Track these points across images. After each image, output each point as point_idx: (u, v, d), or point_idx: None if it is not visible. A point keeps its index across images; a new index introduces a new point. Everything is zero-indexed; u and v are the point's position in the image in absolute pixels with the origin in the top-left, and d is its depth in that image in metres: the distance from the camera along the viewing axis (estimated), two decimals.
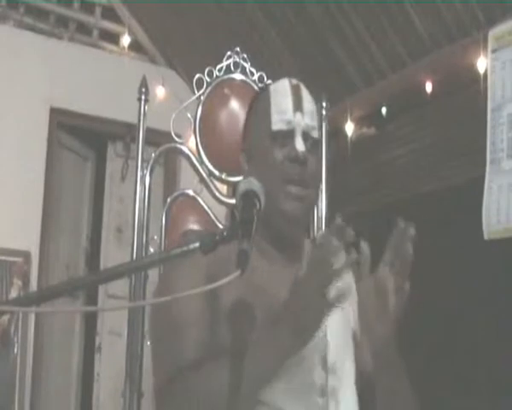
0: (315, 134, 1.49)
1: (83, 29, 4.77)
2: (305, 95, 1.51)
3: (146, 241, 1.84)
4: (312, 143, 1.48)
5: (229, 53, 1.98)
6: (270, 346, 1.25)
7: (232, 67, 1.97)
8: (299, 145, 1.45)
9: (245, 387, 1.25)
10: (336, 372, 1.39)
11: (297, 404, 1.34)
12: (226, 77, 1.96)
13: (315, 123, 1.50)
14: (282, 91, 1.50)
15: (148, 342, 1.81)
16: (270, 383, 1.30)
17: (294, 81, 1.53)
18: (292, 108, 1.47)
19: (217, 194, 1.92)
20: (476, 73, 3.03)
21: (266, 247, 1.47)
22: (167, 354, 1.35)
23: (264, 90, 1.56)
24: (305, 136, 1.47)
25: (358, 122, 3.92)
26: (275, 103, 1.48)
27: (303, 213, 1.47)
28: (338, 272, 1.19)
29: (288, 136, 1.46)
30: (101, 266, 4.84)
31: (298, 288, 1.24)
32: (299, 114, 1.47)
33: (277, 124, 1.46)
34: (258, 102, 1.55)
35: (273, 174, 1.44)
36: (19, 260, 4.14)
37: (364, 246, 1.30)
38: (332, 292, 1.19)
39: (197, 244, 1.09)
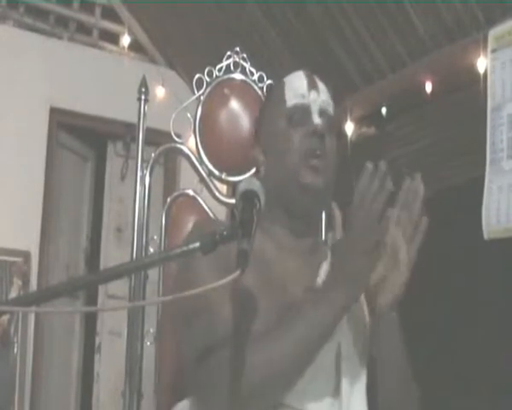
0: (331, 111, 1.49)
1: (83, 29, 4.77)
2: (319, 80, 1.52)
3: (146, 241, 1.84)
4: (329, 120, 1.48)
5: (228, 53, 1.97)
6: (322, 306, 1.25)
7: (232, 67, 1.96)
8: (317, 119, 1.45)
9: (294, 348, 1.23)
10: (348, 373, 1.37)
11: (314, 405, 1.33)
12: (226, 77, 1.96)
13: (330, 101, 1.50)
14: (295, 76, 1.52)
15: (148, 343, 1.81)
16: (321, 348, 1.27)
17: (308, 71, 1.54)
18: (306, 87, 1.48)
19: (217, 194, 1.92)
20: (476, 73, 3.03)
21: (284, 236, 1.47)
22: (197, 333, 1.31)
23: (277, 82, 1.58)
24: (322, 112, 1.47)
25: (358, 122, 3.92)
26: (288, 84, 1.50)
27: (324, 185, 1.46)
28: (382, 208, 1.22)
29: (303, 113, 1.46)
30: (101, 266, 4.84)
31: (341, 243, 1.28)
32: (314, 92, 1.48)
33: (292, 99, 1.47)
34: (272, 93, 1.56)
35: (292, 152, 1.44)
36: (19, 259, 4.14)
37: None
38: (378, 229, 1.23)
39: (197, 244, 1.09)
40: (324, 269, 1.46)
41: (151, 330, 1.82)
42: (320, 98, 1.48)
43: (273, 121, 1.50)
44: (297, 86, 1.48)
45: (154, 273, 1.80)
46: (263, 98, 1.61)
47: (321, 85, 1.51)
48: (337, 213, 1.48)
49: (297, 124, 1.45)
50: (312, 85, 1.49)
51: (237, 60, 1.97)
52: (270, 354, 1.23)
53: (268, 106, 1.55)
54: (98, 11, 4.79)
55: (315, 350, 1.27)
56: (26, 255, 4.17)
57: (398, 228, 1.33)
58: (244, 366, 1.22)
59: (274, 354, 1.23)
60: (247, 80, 1.97)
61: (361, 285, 1.28)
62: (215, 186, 1.93)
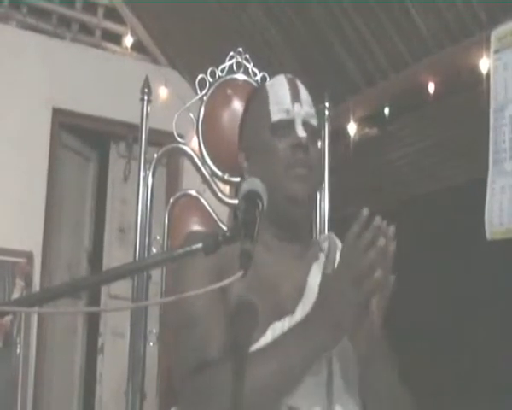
0: (314, 122, 1.51)
1: (85, 29, 4.78)
2: (301, 86, 1.53)
3: (148, 241, 1.84)
4: (312, 132, 1.49)
5: (231, 53, 1.97)
6: (302, 342, 1.25)
7: (235, 68, 1.96)
8: (301, 132, 1.46)
9: (272, 380, 1.25)
10: (341, 378, 1.38)
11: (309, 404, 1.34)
12: (229, 77, 1.96)
13: (313, 111, 1.52)
14: (277, 85, 1.52)
15: (151, 343, 1.82)
16: (299, 381, 1.28)
17: (289, 75, 1.55)
18: (290, 99, 1.49)
19: (219, 194, 1.92)
20: (478, 73, 3.03)
21: (272, 240, 1.48)
22: (190, 347, 1.34)
23: (260, 87, 1.59)
24: (306, 124, 1.48)
25: (361, 122, 3.92)
26: (272, 96, 1.50)
27: (308, 193, 1.48)
28: (373, 263, 1.19)
29: (288, 126, 1.47)
30: (104, 267, 4.84)
31: (330, 283, 1.25)
32: (297, 105, 1.49)
33: (276, 114, 1.48)
34: (255, 100, 1.56)
35: (276, 163, 1.45)
36: (21, 260, 4.14)
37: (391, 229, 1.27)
38: (366, 284, 1.20)
39: (200, 245, 1.09)
40: (315, 269, 1.47)
41: (154, 331, 1.82)
42: (303, 110, 1.49)
43: (257, 132, 1.51)
44: (281, 99, 1.49)
45: (156, 274, 1.80)
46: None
47: (303, 95, 1.52)
48: (335, 242, 1.49)
49: (281, 135, 1.47)
50: (295, 97, 1.50)
51: (240, 60, 1.98)
52: (250, 378, 1.23)
53: (252, 116, 1.56)
54: (101, 11, 4.80)
55: (293, 379, 1.28)
56: (28, 256, 4.18)
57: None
58: (231, 385, 1.23)
59: (253, 379, 1.23)
60: (250, 81, 1.98)
61: (342, 334, 1.27)
62: (218, 187, 1.93)
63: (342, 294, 1.22)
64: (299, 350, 1.25)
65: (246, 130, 1.57)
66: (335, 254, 1.28)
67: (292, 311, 1.40)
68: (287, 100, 1.49)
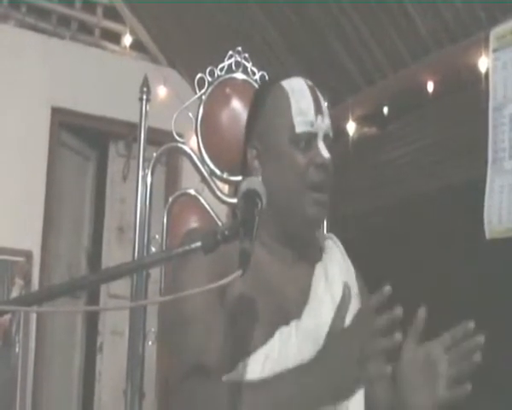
0: (331, 134, 1.49)
1: (84, 28, 4.78)
2: (320, 96, 1.51)
3: (147, 240, 1.84)
4: (330, 145, 1.48)
5: (230, 52, 1.97)
6: (298, 392, 1.17)
7: (234, 67, 1.96)
8: (324, 152, 1.44)
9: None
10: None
11: None
12: (228, 76, 1.96)
13: (330, 122, 1.50)
14: (300, 92, 1.48)
15: (150, 342, 1.82)
16: None
17: (309, 82, 1.52)
18: (314, 110, 1.46)
19: (218, 193, 1.92)
20: (478, 72, 3.03)
21: (274, 243, 1.47)
22: (185, 348, 1.33)
23: (279, 87, 1.51)
24: (326, 138, 1.47)
25: (360, 122, 3.92)
26: (296, 104, 1.46)
27: (324, 217, 1.49)
28: (380, 341, 1.10)
29: (310, 139, 1.44)
30: (103, 266, 4.85)
31: (336, 341, 1.16)
32: (320, 117, 1.46)
33: (301, 126, 1.44)
34: (274, 100, 1.51)
35: (297, 179, 1.43)
36: (20, 259, 4.14)
37: (422, 311, 1.30)
38: (373, 365, 1.10)
39: (199, 244, 1.09)
40: (319, 270, 1.46)
41: (153, 330, 1.82)
42: (324, 123, 1.47)
43: (275, 136, 1.47)
44: (305, 110, 1.45)
45: (155, 273, 1.80)
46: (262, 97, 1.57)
47: (324, 105, 1.50)
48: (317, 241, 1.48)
49: (302, 149, 1.44)
50: (319, 109, 1.47)
51: (239, 59, 1.97)
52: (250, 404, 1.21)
53: (270, 116, 1.50)
54: (100, 11, 4.80)
55: None
56: (27, 255, 4.18)
57: (447, 354, 1.33)
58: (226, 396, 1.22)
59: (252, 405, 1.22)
60: (249, 80, 1.97)
61: (343, 396, 1.19)
62: (217, 186, 1.93)
63: (346, 362, 1.13)
64: (291, 398, 1.18)
65: (260, 128, 1.52)
66: (348, 302, 1.19)
67: (298, 315, 1.39)
68: (311, 111, 1.45)
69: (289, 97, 1.48)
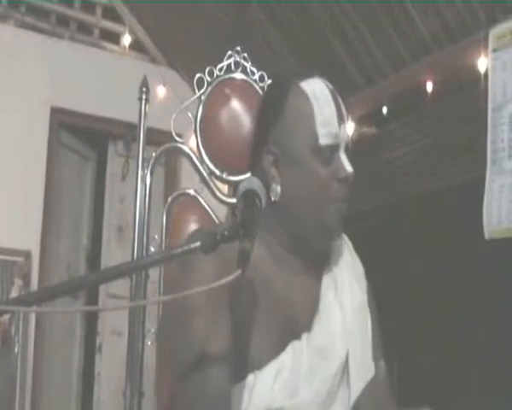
0: (349, 143, 1.45)
1: (84, 29, 4.78)
2: (340, 100, 1.47)
3: (147, 240, 1.84)
4: (349, 153, 1.43)
5: (229, 52, 1.97)
6: None
7: (233, 67, 1.96)
8: (347, 165, 1.39)
9: None
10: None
11: None
12: (227, 76, 1.96)
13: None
14: (323, 98, 1.43)
15: (149, 342, 1.81)
16: None
17: (330, 85, 1.47)
18: (337, 120, 1.41)
19: (218, 193, 1.92)
20: (477, 72, 3.03)
21: (288, 256, 1.43)
22: (184, 351, 1.30)
23: (297, 88, 1.44)
24: (346, 147, 1.42)
25: (359, 122, 3.92)
26: (319, 113, 1.40)
27: (342, 227, 1.44)
28: None
29: (332, 151, 1.39)
30: (102, 266, 4.85)
31: None
32: (343, 127, 1.42)
33: (325, 138, 1.38)
34: (295, 104, 1.42)
35: (319, 192, 1.38)
36: (20, 259, 4.14)
37: None
38: None
39: (198, 244, 1.09)
40: (327, 280, 1.44)
41: (152, 330, 1.81)
42: (345, 134, 1.43)
43: (296, 144, 1.40)
44: (329, 120, 1.40)
45: (154, 273, 1.80)
46: (278, 99, 1.50)
47: (344, 110, 1.46)
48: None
49: (325, 161, 1.39)
50: (341, 117, 1.43)
51: (238, 59, 1.97)
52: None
53: (290, 122, 1.42)
54: (99, 11, 4.80)
55: None
56: (26, 255, 4.18)
57: None
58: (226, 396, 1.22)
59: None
60: (248, 80, 1.97)
61: None
62: (216, 186, 1.93)
63: None
64: None
65: (279, 133, 1.43)
66: None
67: (307, 325, 1.37)
68: (335, 121, 1.41)
69: (312, 104, 1.41)
